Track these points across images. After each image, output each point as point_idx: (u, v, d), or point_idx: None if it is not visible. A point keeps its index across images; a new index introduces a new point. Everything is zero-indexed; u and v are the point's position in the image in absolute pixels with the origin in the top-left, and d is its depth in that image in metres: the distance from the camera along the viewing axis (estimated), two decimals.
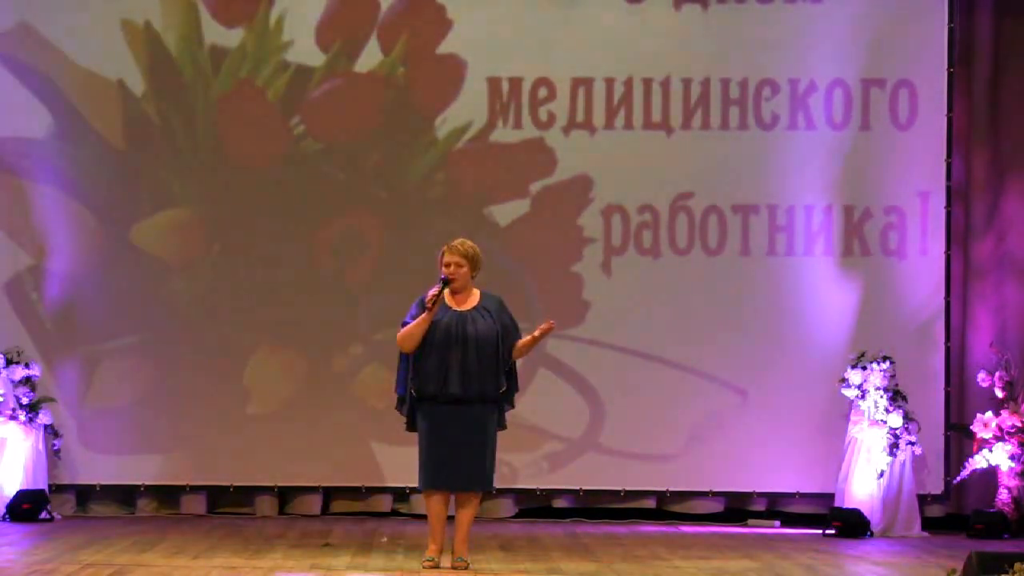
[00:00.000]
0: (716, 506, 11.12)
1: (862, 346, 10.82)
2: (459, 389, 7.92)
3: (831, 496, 10.78)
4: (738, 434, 11.03)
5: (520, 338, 8.05)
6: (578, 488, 11.11)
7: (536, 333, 7.96)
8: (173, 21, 11.11)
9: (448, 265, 8.01)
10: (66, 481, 10.89)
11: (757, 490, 11.09)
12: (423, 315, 7.92)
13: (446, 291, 8.00)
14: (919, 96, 11.11)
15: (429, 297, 7.91)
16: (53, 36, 11.00)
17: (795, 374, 11.04)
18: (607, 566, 8.42)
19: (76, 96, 11.03)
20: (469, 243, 8.13)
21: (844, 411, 10.78)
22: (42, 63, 11.00)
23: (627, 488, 11.11)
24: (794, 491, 11.07)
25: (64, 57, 11.01)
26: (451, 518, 8.06)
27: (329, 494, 11.12)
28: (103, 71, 11.04)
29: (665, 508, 11.14)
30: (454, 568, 8.02)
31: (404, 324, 8.01)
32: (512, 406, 8.19)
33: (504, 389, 8.04)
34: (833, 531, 10.45)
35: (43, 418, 10.54)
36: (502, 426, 8.12)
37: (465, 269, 8.02)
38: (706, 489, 11.10)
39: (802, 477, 11.05)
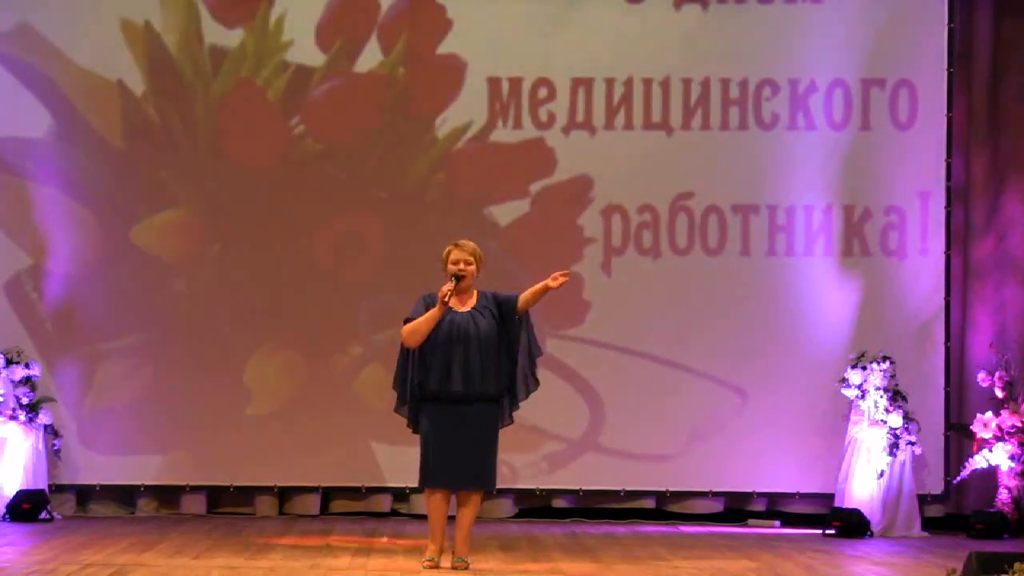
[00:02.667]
0: (716, 506, 11.13)
1: (862, 346, 10.82)
2: (461, 387, 7.95)
3: (831, 496, 10.78)
4: (738, 434, 11.03)
5: (518, 296, 8.11)
6: (578, 488, 11.12)
7: (549, 281, 7.99)
8: (173, 21, 11.11)
9: (458, 262, 8.05)
10: (66, 481, 10.88)
11: (757, 490, 11.09)
12: (434, 310, 7.95)
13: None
14: (919, 96, 11.12)
15: (443, 292, 7.94)
16: (53, 36, 11.00)
17: (795, 374, 11.05)
18: (607, 566, 8.42)
19: (76, 96, 11.03)
20: (473, 243, 8.19)
21: (844, 411, 10.78)
22: (42, 63, 11.00)
23: (627, 488, 11.11)
24: (794, 491, 11.08)
25: (64, 57, 11.00)
26: (451, 518, 8.07)
27: (329, 494, 11.12)
28: (103, 71, 11.03)
29: (665, 508, 11.15)
30: (454, 568, 8.03)
31: (407, 320, 8.05)
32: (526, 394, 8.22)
33: (510, 385, 8.11)
34: (833, 531, 10.45)
35: (43, 418, 10.53)
36: (509, 420, 8.17)
37: (473, 267, 8.08)
38: (706, 489, 11.11)
39: (802, 477, 11.05)
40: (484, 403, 8.01)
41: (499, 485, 10.46)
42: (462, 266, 8.05)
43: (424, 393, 8.02)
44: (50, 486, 10.67)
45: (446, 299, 7.94)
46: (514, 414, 8.21)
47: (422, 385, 8.02)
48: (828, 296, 11.11)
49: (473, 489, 8.06)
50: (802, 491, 11.05)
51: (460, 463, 7.99)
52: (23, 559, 8.24)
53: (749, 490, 11.09)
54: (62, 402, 10.83)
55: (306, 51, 11.12)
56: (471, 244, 8.14)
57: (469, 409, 7.98)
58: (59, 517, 10.51)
